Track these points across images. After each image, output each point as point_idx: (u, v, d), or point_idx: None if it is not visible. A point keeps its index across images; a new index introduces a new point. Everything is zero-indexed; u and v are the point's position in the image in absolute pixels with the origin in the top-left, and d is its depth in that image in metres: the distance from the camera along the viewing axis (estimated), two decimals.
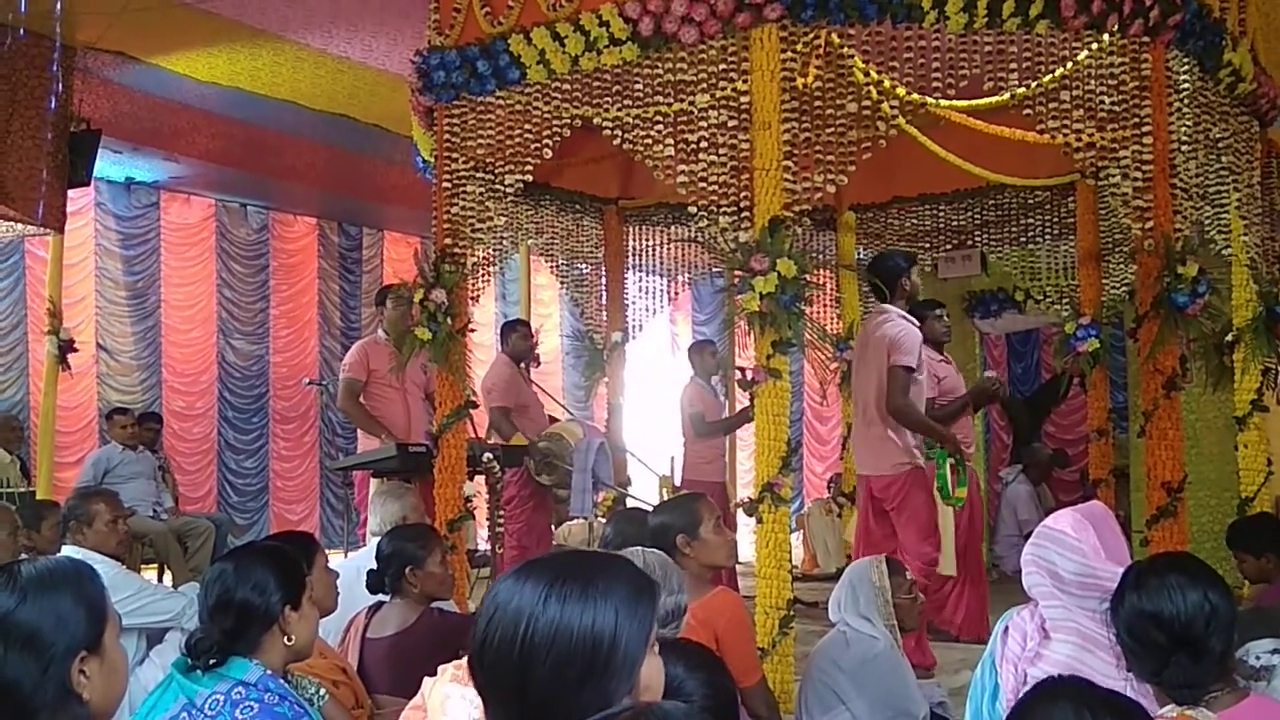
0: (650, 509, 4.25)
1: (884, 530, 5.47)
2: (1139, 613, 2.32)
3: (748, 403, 4.38)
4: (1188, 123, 4.76)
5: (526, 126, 4.91)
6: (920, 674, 4.58)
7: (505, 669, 1.46)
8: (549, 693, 1.44)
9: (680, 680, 1.86)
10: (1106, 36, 4.46)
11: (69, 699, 1.72)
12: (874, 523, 5.52)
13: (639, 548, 3.10)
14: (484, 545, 7.10)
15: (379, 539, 3.98)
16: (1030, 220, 7.72)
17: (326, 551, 3.56)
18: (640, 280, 8.20)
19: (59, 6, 6.64)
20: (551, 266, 7.97)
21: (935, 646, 5.31)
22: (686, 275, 8.55)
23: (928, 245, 8.11)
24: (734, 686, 2.54)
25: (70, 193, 8.08)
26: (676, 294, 8.69)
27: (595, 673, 1.44)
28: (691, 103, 4.44)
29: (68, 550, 4.29)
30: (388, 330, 6.48)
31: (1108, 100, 4.49)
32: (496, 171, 5.08)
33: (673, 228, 8.08)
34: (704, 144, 4.39)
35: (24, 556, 4.24)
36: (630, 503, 6.74)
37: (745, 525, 4.92)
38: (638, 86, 4.58)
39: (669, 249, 8.23)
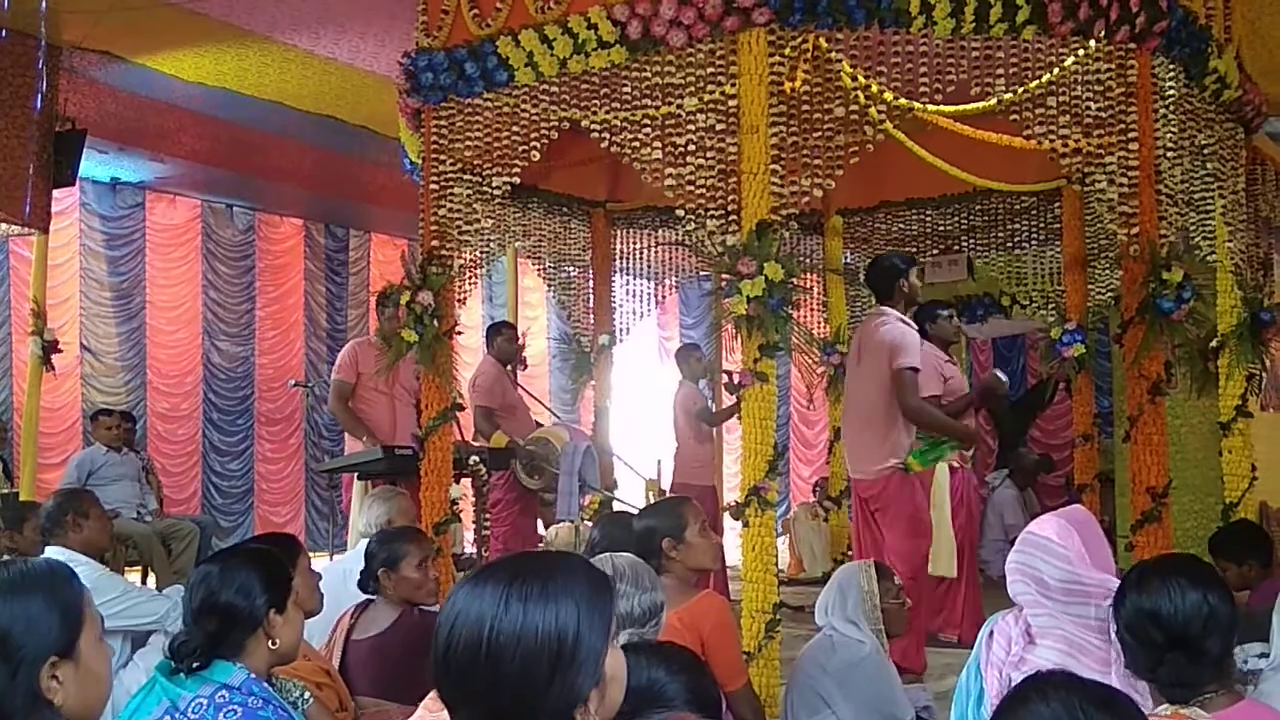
0: (636, 513, 4.25)
1: (875, 534, 5.49)
2: (1138, 610, 2.36)
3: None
4: (1173, 129, 4.78)
5: (514, 129, 4.90)
6: (909, 679, 4.59)
7: (473, 673, 1.50)
8: (519, 691, 1.48)
9: (662, 684, 1.85)
10: (1093, 43, 4.48)
11: (39, 704, 1.69)
12: (865, 526, 5.54)
13: (608, 555, 3.10)
14: (470, 548, 7.08)
15: (368, 540, 3.99)
16: (1017, 225, 7.75)
17: (311, 554, 3.56)
18: (627, 283, 8.19)
19: (44, 6, 6.61)
20: (539, 269, 7.97)
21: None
22: (674, 278, 8.56)
23: (914, 250, 8.11)
24: (718, 690, 2.53)
25: (55, 192, 8.04)
26: (664, 297, 8.70)
27: (562, 668, 1.48)
28: (679, 106, 4.44)
29: (51, 551, 4.27)
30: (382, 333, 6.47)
31: (1094, 106, 4.50)
32: (484, 173, 5.07)
33: (660, 231, 8.09)
34: (692, 147, 4.39)
35: (6, 558, 4.21)
36: (617, 506, 6.73)
37: (732, 529, 4.92)
38: (626, 89, 4.58)
39: (656, 252, 8.23)
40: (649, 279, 8.33)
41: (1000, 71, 4.43)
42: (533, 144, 4.87)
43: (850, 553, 7.13)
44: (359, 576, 3.75)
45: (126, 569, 7.26)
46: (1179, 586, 2.33)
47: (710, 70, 4.38)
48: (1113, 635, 2.44)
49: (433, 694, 1.99)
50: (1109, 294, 6.87)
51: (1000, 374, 6.66)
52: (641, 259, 8.20)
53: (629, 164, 4.66)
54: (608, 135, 4.64)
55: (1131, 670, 2.36)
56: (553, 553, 1.79)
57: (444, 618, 1.55)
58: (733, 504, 4.36)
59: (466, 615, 1.52)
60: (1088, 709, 1.69)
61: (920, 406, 5.39)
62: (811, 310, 8.26)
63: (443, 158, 5.11)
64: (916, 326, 5.63)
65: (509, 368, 7.23)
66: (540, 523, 7.72)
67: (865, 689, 3.60)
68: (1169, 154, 4.71)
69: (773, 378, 4.27)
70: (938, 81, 4.39)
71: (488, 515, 6.38)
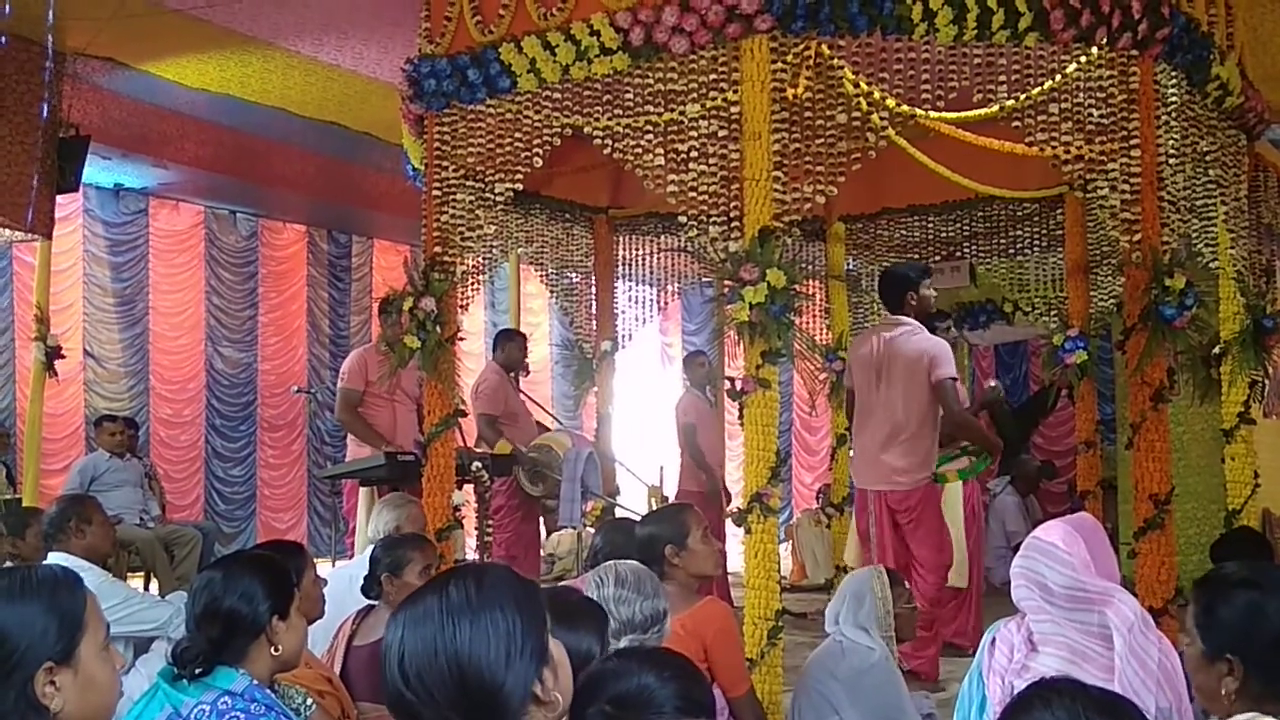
0: (639, 519, 4.25)
1: (899, 544, 5.52)
2: None
3: (737, 413, 4.37)
4: (1175, 136, 4.78)
5: (517, 135, 4.90)
6: (914, 686, 4.59)
7: (440, 692, 1.58)
8: (485, 690, 1.58)
9: (651, 690, 1.83)
10: (1095, 50, 4.48)
11: (32, 710, 1.69)
12: (893, 537, 5.54)
13: (613, 562, 3.10)
14: (472, 555, 7.09)
15: (374, 546, 4.00)
16: (1019, 232, 7.74)
17: (315, 561, 3.56)
18: (630, 289, 8.20)
19: (50, 12, 6.62)
20: (541, 275, 7.97)
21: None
22: (676, 285, 8.57)
23: (917, 256, 8.12)
24: (711, 696, 2.53)
25: (59, 199, 8.04)
26: (666, 303, 8.70)
27: (516, 656, 1.60)
28: (682, 112, 4.43)
29: (54, 557, 4.27)
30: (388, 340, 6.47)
31: (1096, 113, 4.50)
32: (486, 180, 5.07)
33: (662, 237, 8.09)
34: (694, 154, 4.38)
35: (9, 564, 4.22)
36: (619, 513, 6.73)
37: (734, 536, 4.92)
38: (628, 96, 4.58)
39: (659, 258, 8.23)
40: (651, 285, 8.34)
41: (1002, 78, 4.43)
42: (535, 150, 4.87)
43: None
44: (365, 582, 3.76)
45: (129, 575, 7.26)
46: None
47: (713, 77, 4.38)
48: (1099, 652, 2.38)
49: None
50: (1111, 300, 6.87)
51: (992, 382, 6.70)
52: (644, 265, 8.20)
53: (631, 170, 4.66)
54: (610, 142, 4.64)
55: (1256, 699, 2.10)
56: (470, 563, 1.88)
57: (390, 646, 1.63)
58: (735, 510, 4.36)
59: (415, 644, 1.60)
60: (1091, 715, 1.68)
61: (966, 416, 5.53)
62: (814, 316, 8.25)
63: (445, 164, 5.12)
64: None
65: (512, 374, 7.23)
66: (542, 529, 7.72)
67: (874, 696, 3.60)
68: (1171, 161, 4.71)
69: (775, 384, 4.27)
70: (940, 88, 4.39)
71: (490, 522, 6.38)
